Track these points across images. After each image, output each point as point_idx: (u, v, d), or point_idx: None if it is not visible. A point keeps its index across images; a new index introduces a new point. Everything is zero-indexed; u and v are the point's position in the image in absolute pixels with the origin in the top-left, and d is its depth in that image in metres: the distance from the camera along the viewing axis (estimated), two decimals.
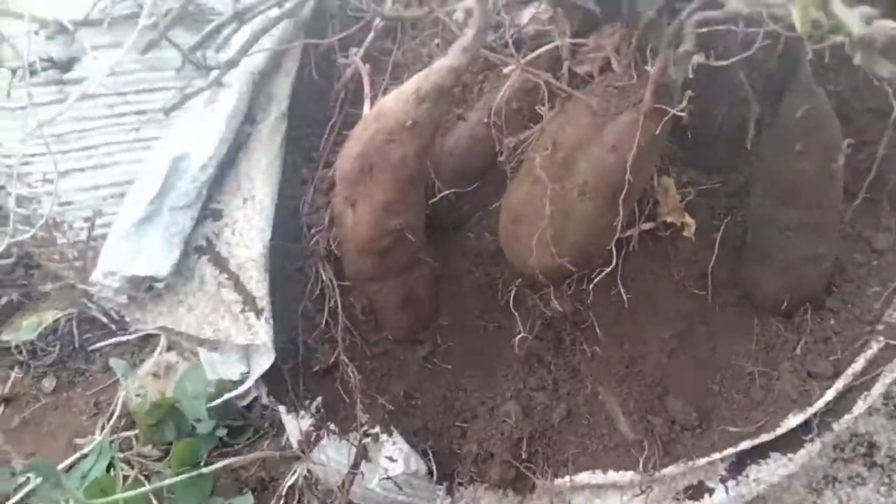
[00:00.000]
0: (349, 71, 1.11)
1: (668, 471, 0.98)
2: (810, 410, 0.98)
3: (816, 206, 0.96)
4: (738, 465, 1.00)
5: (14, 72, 1.75)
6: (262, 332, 0.92)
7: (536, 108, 0.93)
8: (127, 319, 0.94)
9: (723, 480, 1.01)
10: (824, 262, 1.02)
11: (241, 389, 0.95)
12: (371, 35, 1.08)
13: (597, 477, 0.99)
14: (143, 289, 0.91)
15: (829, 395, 0.98)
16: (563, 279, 0.98)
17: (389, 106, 0.89)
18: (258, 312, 0.93)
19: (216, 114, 1.00)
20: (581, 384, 1.07)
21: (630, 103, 0.84)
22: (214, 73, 1.03)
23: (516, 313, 1.05)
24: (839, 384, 0.98)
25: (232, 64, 1.01)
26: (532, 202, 0.92)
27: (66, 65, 1.91)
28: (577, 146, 0.87)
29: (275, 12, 1.03)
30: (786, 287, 1.03)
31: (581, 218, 0.90)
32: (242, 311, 0.93)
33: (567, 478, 0.99)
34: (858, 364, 0.99)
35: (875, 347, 0.99)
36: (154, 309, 0.93)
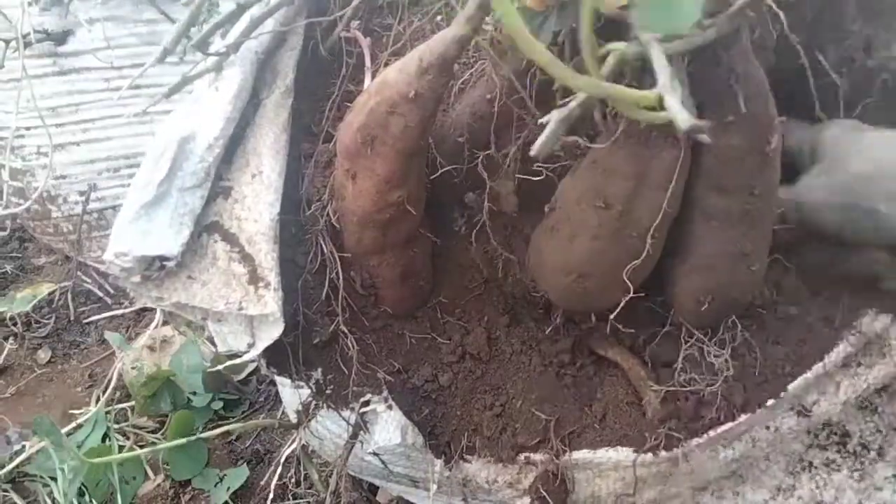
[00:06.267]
0: (338, 29, 1.10)
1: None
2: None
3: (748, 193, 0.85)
4: None
5: (8, 43, 1.75)
6: (271, 302, 0.93)
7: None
8: (144, 298, 0.96)
9: None
10: (752, 262, 0.89)
11: (246, 358, 0.96)
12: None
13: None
14: (155, 268, 0.92)
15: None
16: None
17: (392, 77, 0.88)
18: (267, 283, 0.94)
19: (221, 93, 1.00)
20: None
21: (663, 140, 0.82)
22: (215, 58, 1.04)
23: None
24: None
25: (233, 48, 1.02)
26: (598, 258, 0.89)
27: (61, 37, 1.91)
28: (631, 196, 0.84)
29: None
30: (704, 289, 0.92)
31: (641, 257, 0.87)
32: (252, 282, 0.94)
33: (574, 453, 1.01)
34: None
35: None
36: (171, 286, 0.95)
